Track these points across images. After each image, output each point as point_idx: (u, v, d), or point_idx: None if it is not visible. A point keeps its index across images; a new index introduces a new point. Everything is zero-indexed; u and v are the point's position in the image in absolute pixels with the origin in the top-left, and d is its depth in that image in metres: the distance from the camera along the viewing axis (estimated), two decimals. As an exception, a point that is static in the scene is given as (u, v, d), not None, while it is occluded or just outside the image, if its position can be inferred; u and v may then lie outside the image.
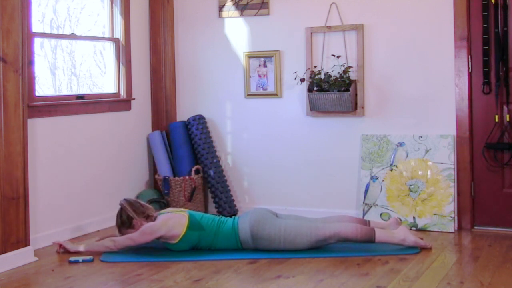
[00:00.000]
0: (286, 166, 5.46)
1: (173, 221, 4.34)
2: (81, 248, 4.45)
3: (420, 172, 4.96)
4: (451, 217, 4.84)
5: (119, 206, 4.49)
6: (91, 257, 4.30)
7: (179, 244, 4.35)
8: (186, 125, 5.66)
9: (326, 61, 5.24)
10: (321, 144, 5.33)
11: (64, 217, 4.89)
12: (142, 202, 4.56)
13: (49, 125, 4.76)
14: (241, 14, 5.54)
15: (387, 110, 5.11)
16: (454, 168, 4.89)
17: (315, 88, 5.14)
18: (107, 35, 5.44)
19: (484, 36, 4.78)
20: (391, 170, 5.05)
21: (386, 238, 4.30)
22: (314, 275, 3.88)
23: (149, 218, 4.44)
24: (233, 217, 4.52)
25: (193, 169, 5.51)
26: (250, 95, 5.57)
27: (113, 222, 5.27)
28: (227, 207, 5.50)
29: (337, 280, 3.78)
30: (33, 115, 4.58)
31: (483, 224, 4.90)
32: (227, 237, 4.37)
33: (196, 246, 4.40)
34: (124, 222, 4.44)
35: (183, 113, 5.80)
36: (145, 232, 4.33)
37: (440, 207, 4.87)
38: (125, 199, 4.52)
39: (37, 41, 4.78)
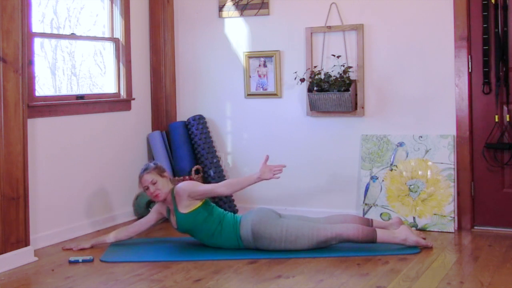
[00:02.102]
0: (286, 166, 5.45)
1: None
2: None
3: (420, 172, 4.96)
4: (451, 217, 4.84)
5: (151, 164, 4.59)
6: (91, 257, 4.30)
7: (186, 216, 4.35)
8: (186, 125, 5.66)
9: (326, 61, 5.24)
10: (321, 144, 5.34)
11: (64, 217, 4.88)
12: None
13: (49, 125, 4.76)
14: (241, 14, 5.54)
15: (387, 110, 5.12)
16: (454, 168, 4.89)
17: (315, 88, 5.14)
18: (107, 35, 5.44)
19: (484, 36, 4.78)
20: (391, 170, 5.05)
21: (387, 238, 4.30)
22: (314, 275, 3.88)
23: (171, 183, 4.58)
24: (237, 214, 4.54)
25: (193, 169, 5.51)
26: (250, 95, 5.57)
27: (114, 222, 5.29)
28: (227, 207, 5.50)
29: (337, 280, 3.78)
30: (33, 115, 4.58)
31: (483, 224, 4.90)
32: (228, 232, 4.37)
33: (197, 228, 4.38)
34: (160, 168, 4.53)
35: (183, 113, 5.80)
36: (199, 184, 4.50)
37: (440, 207, 4.87)
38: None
39: (37, 41, 4.78)
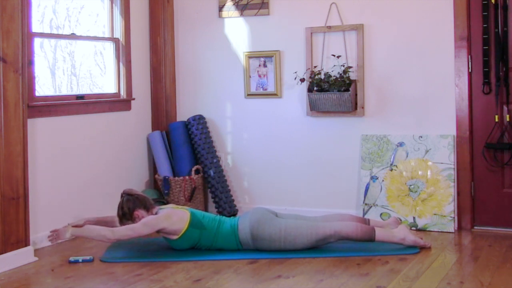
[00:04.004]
0: (286, 166, 5.46)
1: (176, 217, 4.32)
2: (68, 234, 4.29)
3: (420, 172, 4.96)
4: (451, 217, 4.84)
5: (121, 197, 4.47)
6: (91, 257, 4.31)
7: (179, 241, 4.33)
8: (186, 125, 5.66)
9: (326, 61, 5.24)
10: (321, 144, 5.34)
11: (64, 217, 4.88)
12: (143, 194, 4.55)
13: (49, 125, 4.76)
14: (241, 14, 5.54)
15: (387, 110, 5.12)
16: (454, 168, 4.89)
17: (315, 88, 5.14)
18: (107, 35, 5.44)
19: (484, 36, 4.78)
20: (391, 170, 5.05)
21: (386, 237, 4.31)
22: (314, 275, 3.89)
23: (149, 210, 4.43)
24: (233, 217, 4.52)
25: (193, 169, 5.51)
26: (250, 95, 5.57)
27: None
28: (227, 207, 5.50)
29: (337, 280, 3.78)
30: (33, 115, 4.58)
31: (483, 224, 4.90)
32: (227, 237, 4.37)
33: (196, 245, 4.39)
34: (125, 214, 4.40)
35: (183, 113, 5.81)
36: (147, 223, 4.28)
37: (440, 207, 4.87)
38: (127, 191, 4.49)
39: (37, 41, 4.78)
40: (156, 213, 4.41)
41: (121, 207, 4.44)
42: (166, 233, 4.34)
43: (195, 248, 4.41)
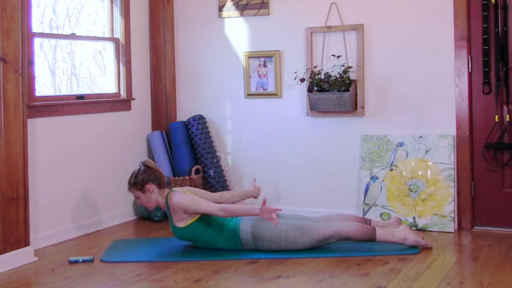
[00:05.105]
0: (286, 166, 5.46)
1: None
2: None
3: (420, 172, 4.96)
4: (451, 217, 4.84)
5: (139, 166, 4.46)
6: (91, 257, 4.31)
7: (183, 230, 4.32)
8: (186, 125, 5.66)
9: (326, 61, 5.24)
10: (321, 144, 5.34)
11: (64, 217, 4.88)
12: (161, 171, 4.52)
13: (49, 125, 4.76)
14: (241, 14, 5.54)
15: (387, 110, 5.12)
16: (454, 168, 4.89)
17: (315, 88, 5.14)
18: (107, 35, 5.44)
19: (484, 36, 4.78)
20: (391, 170, 5.05)
21: (387, 237, 4.30)
22: (314, 275, 3.89)
23: (161, 188, 4.42)
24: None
25: (193, 169, 5.51)
26: (250, 95, 5.57)
27: (114, 221, 5.29)
28: (227, 207, 5.50)
29: (337, 280, 3.78)
30: (33, 115, 4.58)
31: (483, 224, 4.90)
32: (228, 237, 4.36)
33: (196, 240, 4.38)
34: (137, 183, 4.40)
35: (183, 113, 5.80)
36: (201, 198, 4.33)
37: (440, 207, 4.87)
38: (146, 162, 4.47)
39: (37, 41, 4.78)
40: (167, 195, 4.38)
41: (135, 175, 4.44)
42: (181, 215, 4.30)
43: (194, 244, 4.41)
